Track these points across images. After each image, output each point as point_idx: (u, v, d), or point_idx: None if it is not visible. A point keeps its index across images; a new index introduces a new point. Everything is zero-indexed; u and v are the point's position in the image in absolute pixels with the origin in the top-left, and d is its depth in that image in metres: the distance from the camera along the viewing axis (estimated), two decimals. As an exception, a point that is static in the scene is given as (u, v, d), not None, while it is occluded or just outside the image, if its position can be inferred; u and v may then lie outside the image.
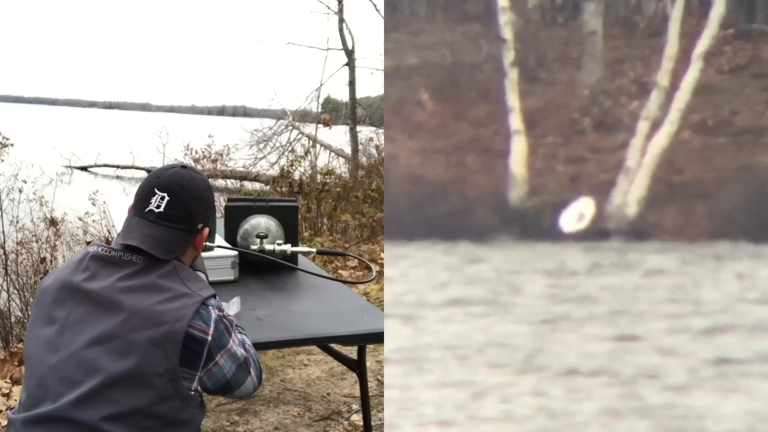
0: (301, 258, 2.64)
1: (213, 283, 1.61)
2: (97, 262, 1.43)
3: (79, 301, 1.38)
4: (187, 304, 1.37)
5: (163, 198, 1.46)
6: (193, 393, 1.39)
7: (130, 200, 1.55)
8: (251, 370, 1.52)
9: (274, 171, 9.50)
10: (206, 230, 1.55)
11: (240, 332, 1.55)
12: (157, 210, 1.46)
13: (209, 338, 1.39)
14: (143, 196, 1.49)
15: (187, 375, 1.37)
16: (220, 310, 1.46)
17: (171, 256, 1.45)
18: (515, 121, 2.51)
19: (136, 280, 1.39)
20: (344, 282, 2.85)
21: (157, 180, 1.50)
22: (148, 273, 1.40)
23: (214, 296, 1.46)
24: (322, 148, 10.98)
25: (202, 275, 1.64)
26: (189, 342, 1.36)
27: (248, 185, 10.17)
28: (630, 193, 2.46)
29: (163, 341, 1.33)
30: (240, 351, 1.48)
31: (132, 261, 1.41)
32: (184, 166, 1.57)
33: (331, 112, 12.87)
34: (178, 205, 1.47)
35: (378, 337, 1.91)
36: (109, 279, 1.39)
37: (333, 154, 11.35)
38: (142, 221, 1.46)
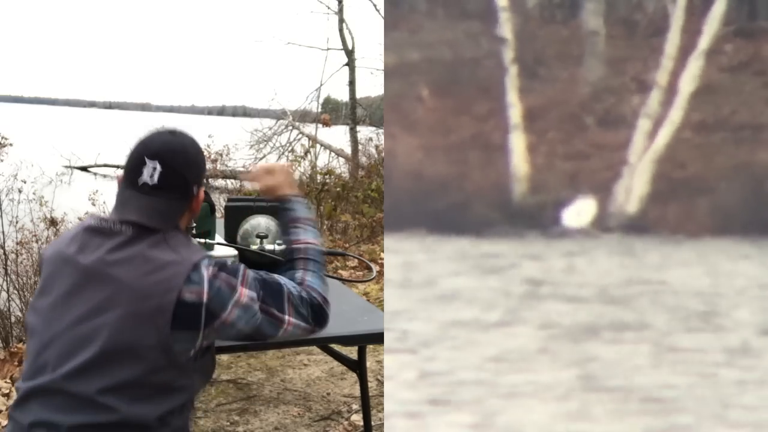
0: (300, 257, 2.63)
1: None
2: (88, 233, 1.41)
3: (71, 274, 1.37)
4: (177, 273, 1.34)
5: (155, 168, 1.42)
6: (191, 356, 1.37)
7: None
8: (285, 316, 1.45)
9: (274, 171, 9.47)
10: (202, 191, 1.51)
11: (265, 275, 1.47)
12: (151, 182, 1.42)
13: (204, 300, 1.35)
14: (133, 167, 1.44)
15: (187, 337, 1.35)
16: (217, 266, 1.40)
17: (171, 225, 1.42)
18: (516, 118, 2.50)
19: (125, 252, 1.36)
20: (344, 281, 2.84)
21: (146, 148, 1.45)
22: (137, 243, 1.37)
23: (206, 257, 1.41)
24: (322, 148, 10.99)
25: (194, 241, 1.59)
26: (182, 308, 1.33)
27: (248, 185, 10.15)
28: (632, 190, 2.45)
29: (153, 313, 1.31)
30: (254, 306, 1.41)
31: (121, 231, 1.38)
32: (171, 132, 1.51)
33: (331, 112, 12.88)
34: (171, 173, 1.43)
35: (378, 337, 1.89)
36: (98, 251, 1.37)
37: (333, 154, 11.35)
38: (136, 194, 1.42)
